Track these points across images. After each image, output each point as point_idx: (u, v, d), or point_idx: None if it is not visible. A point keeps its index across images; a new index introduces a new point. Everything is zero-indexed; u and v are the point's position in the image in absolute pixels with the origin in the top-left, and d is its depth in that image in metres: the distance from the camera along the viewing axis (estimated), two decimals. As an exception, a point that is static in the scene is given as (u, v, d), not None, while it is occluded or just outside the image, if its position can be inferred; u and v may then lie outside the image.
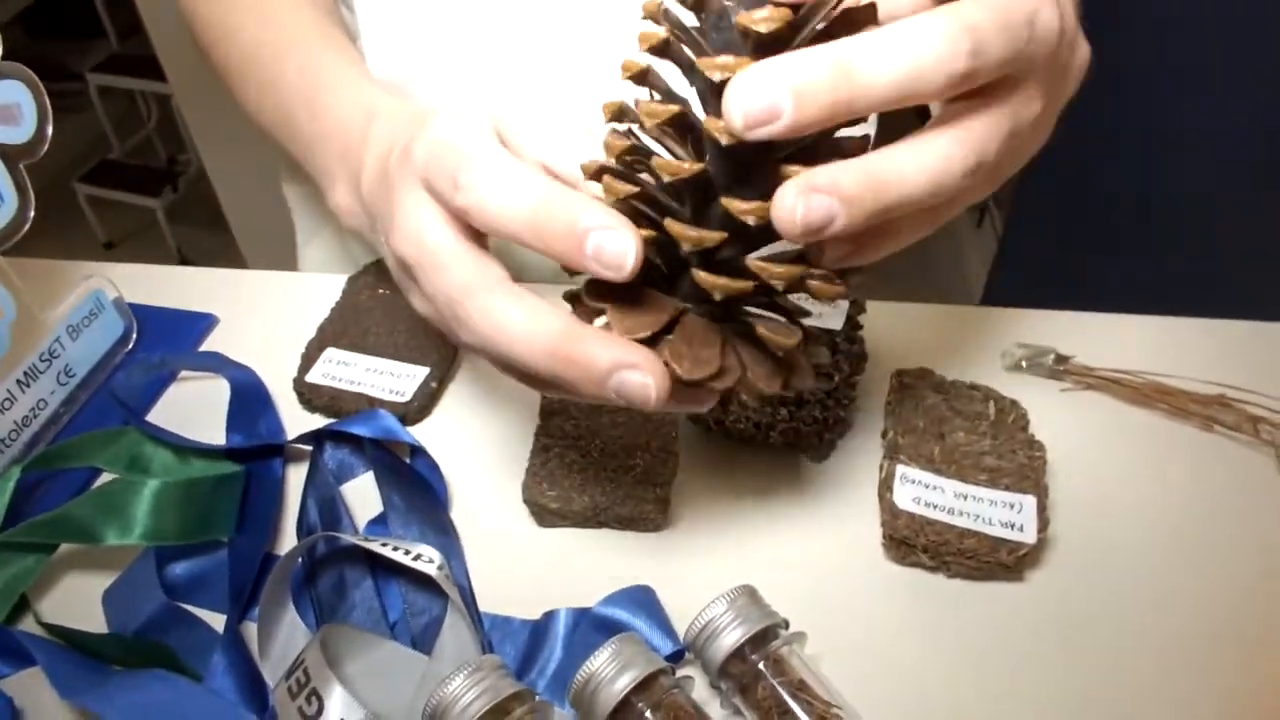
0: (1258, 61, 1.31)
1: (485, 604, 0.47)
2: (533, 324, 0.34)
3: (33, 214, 0.51)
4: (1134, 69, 1.40)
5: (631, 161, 0.36)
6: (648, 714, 0.38)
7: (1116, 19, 1.39)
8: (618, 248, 0.32)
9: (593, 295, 0.35)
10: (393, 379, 0.56)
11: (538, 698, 0.39)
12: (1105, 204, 1.57)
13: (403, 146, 0.40)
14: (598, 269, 0.32)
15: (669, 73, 0.35)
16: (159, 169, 2.36)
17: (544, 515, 0.50)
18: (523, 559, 0.49)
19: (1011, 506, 0.47)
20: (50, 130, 0.52)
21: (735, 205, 0.31)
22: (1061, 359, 0.57)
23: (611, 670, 0.38)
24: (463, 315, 0.36)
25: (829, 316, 0.56)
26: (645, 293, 0.36)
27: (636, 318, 0.34)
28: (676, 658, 0.44)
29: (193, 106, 1.85)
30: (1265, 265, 1.34)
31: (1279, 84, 1.31)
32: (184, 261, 2.26)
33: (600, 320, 0.35)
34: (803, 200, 0.30)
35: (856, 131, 0.33)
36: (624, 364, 0.33)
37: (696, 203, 0.35)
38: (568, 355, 0.33)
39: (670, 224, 0.33)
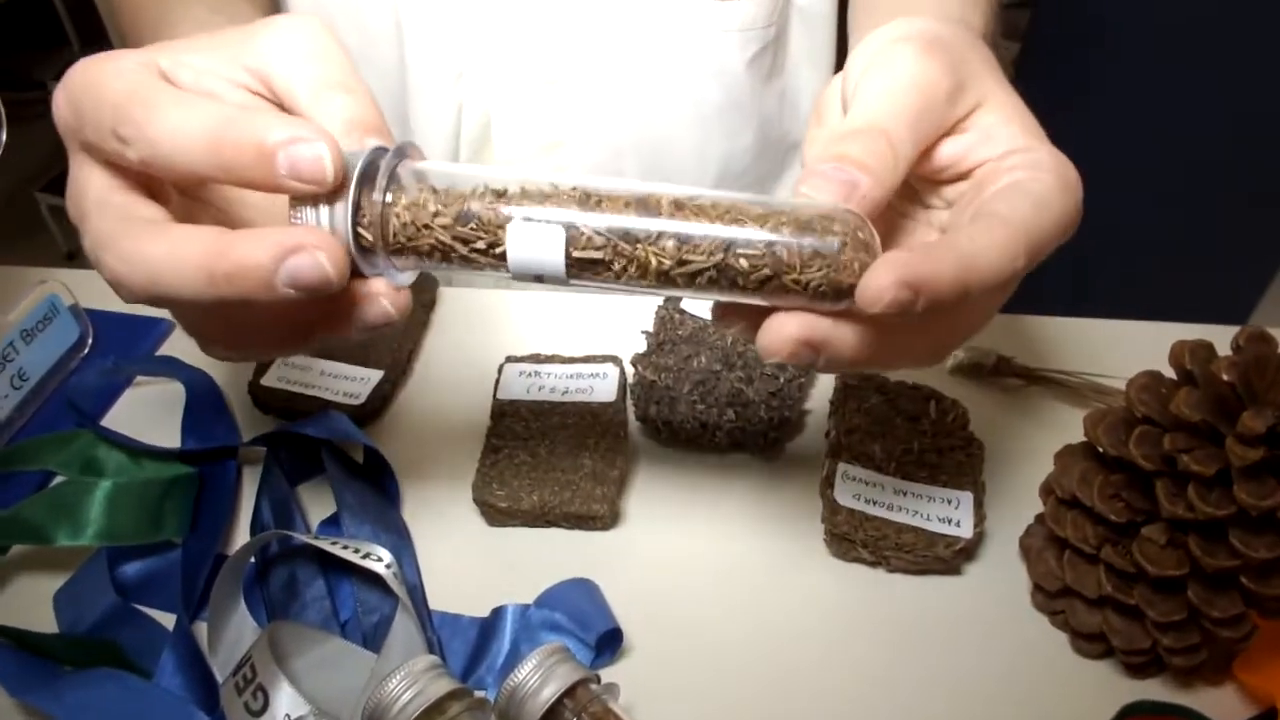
0: (1192, 83, 1.37)
1: (436, 602, 0.48)
2: (177, 249, 0.31)
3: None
4: (1088, 99, 1.45)
5: None
6: None
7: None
8: (312, 153, 0.30)
9: None
10: (347, 382, 0.57)
11: (477, 694, 0.40)
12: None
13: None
14: (299, 186, 0.30)
15: None
16: (123, 178, 2.34)
17: (494, 514, 0.50)
18: (473, 558, 0.50)
19: (949, 502, 0.48)
20: (4, 134, 0.52)
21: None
22: (1004, 360, 0.58)
23: (535, 681, 0.38)
24: (112, 265, 0.32)
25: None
26: None
27: None
28: (614, 638, 0.45)
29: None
30: (1201, 272, 1.40)
31: (1216, 104, 1.37)
32: (149, 271, 2.23)
33: None
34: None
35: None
36: (286, 248, 0.30)
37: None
38: (224, 270, 0.30)
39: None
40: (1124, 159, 1.48)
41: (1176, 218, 1.48)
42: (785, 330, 0.31)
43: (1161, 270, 1.47)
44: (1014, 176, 0.33)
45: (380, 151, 0.32)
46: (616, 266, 0.31)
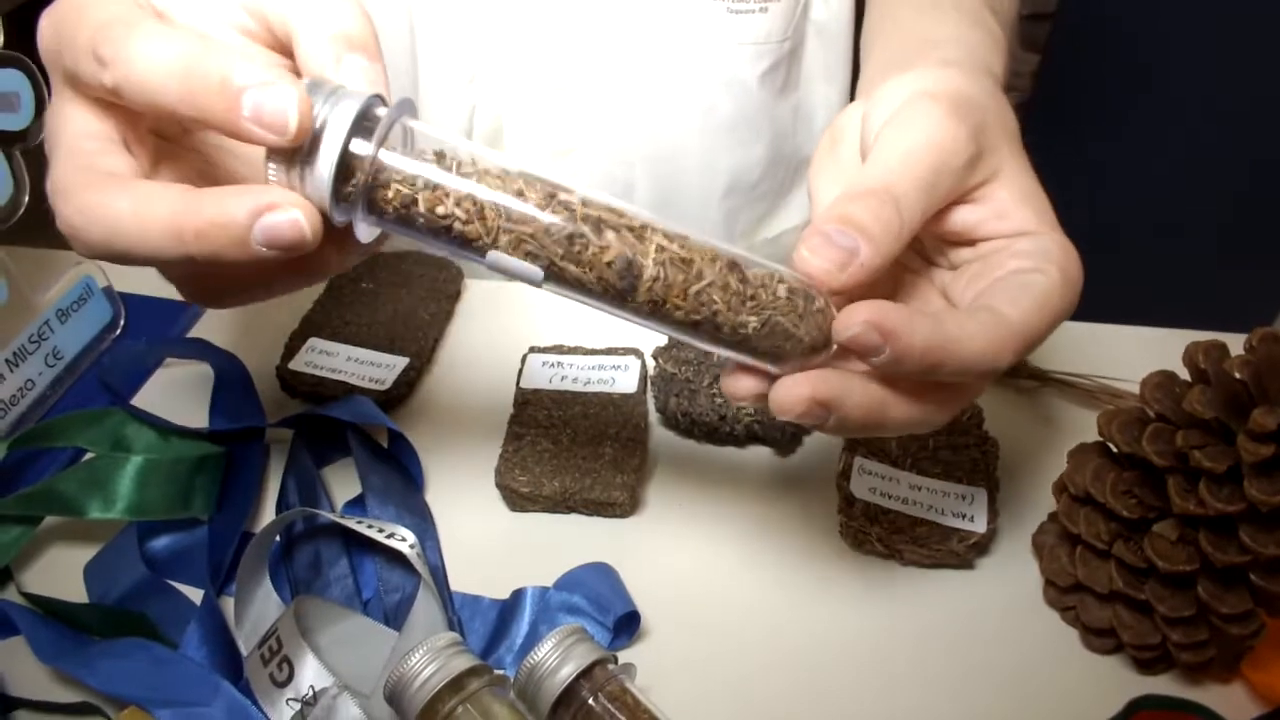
0: (1213, 92, 1.37)
1: (457, 583, 0.49)
2: (142, 206, 0.30)
3: (27, 199, 0.53)
4: (1102, 111, 1.45)
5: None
6: (590, 701, 0.39)
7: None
8: (277, 105, 0.29)
9: None
10: (373, 368, 0.58)
11: (496, 671, 0.41)
12: (1086, 224, 1.62)
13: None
14: (260, 133, 0.29)
15: None
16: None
17: (515, 499, 0.51)
18: (494, 541, 0.51)
19: (963, 498, 0.49)
20: (42, 121, 0.54)
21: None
22: (1019, 361, 0.59)
23: (554, 661, 0.39)
24: (69, 215, 0.31)
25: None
26: None
27: None
28: (632, 620, 0.46)
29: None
30: (1219, 281, 1.41)
31: (1235, 115, 1.37)
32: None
33: None
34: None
35: None
36: (262, 208, 0.29)
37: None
38: (195, 227, 0.30)
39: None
40: (1143, 169, 1.48)
41: (1196, 227, 1.48)
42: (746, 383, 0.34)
43: (1177, 279, 1.47)
44: (1020, 264, 0.34)
45: (376, 100, 0.31)
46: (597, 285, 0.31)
